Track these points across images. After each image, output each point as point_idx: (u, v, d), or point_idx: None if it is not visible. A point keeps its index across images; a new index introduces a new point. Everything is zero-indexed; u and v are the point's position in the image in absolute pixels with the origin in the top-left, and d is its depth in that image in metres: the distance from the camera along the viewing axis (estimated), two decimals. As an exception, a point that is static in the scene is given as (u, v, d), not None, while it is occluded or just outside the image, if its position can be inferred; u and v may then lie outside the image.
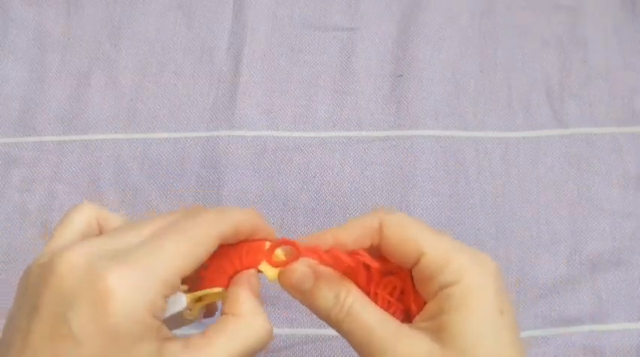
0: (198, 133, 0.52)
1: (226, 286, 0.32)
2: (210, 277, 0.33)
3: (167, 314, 0.30)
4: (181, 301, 0.31)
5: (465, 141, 0.52)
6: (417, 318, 0.31)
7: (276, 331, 0.44)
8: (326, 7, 0.56)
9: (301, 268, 0.31)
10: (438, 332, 0.29)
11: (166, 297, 0.28)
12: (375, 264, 0.31)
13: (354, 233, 0.31)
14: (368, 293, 0.32)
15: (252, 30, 0.55)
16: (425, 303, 0.31)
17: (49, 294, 0.26)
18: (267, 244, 0.33)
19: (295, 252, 0.31)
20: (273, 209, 0.50)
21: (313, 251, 0.31)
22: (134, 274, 0.27)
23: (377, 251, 0.32)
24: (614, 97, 0.53)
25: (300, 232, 0.49)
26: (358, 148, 0.52)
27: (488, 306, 0.29)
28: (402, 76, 0.54)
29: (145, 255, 0.28)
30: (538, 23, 0.56)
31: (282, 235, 0.48)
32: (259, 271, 0.33)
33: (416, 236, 0.31)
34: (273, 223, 0.49)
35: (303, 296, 0.32)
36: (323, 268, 0.31)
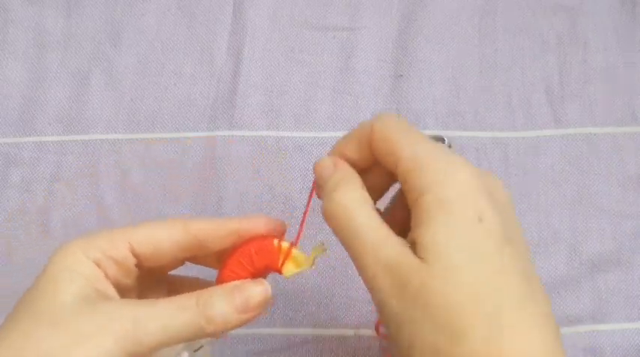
0: (198, 133, 0.52)
1: None
2: (224, 281, 0.32)
3: None
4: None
5: (465, 141, 0.52)
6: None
7: (276, 331, 0.44)
8: (326, 7, 0.56)
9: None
10: (413, 245, 0.27)
11: (110, 255, 0.31)
12: None
13: (352, 143, 0.31)
14: None
15: (252, 30, 0.55)
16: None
17: None
18: (276, 242, 0.33)
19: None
20: (273, 209, 0.49)
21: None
22: (85, 236, 0.31)
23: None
24: (614, 97, 0.53)
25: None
26: (358, 148, 0.52)
27: (461, 215, 0.27)
28: (402, 76, 0.54)
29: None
30: (538, 23, 0.56)
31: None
32: (279, 272, 0.33)
33: (394, 140, 0.29)
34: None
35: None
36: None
